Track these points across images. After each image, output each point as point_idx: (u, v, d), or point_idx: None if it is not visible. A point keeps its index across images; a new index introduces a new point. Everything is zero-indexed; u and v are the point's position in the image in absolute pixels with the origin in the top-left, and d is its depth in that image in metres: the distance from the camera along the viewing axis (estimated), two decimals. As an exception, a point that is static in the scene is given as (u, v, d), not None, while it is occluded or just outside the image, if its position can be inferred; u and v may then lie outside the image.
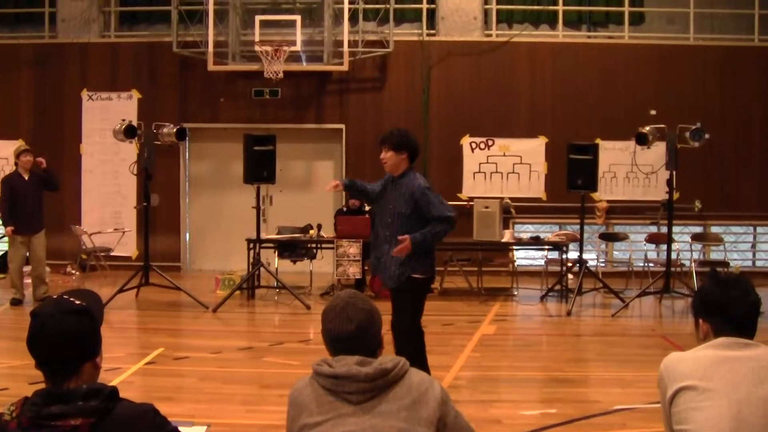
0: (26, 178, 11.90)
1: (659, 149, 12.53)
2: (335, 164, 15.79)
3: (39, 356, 2.71)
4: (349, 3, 14.54)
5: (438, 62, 15.34)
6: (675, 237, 12.68)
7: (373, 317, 3.20)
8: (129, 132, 12.04)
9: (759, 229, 15.71)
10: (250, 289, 12.76)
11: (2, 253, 15.44)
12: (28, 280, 12.25)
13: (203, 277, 14.64)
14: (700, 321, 3.43)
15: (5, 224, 11.95)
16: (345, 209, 13.49)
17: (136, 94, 15.61)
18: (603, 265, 15.20)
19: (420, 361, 6.85)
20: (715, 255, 14.86)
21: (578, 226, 12.75)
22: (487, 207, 12.69)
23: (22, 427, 2.58)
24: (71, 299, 2.78)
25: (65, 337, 2.68)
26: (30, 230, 11.84)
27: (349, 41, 14.60)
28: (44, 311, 2.73)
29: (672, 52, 15.24)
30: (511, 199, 14.75)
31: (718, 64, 15.19)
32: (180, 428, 2.85)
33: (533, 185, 15.31)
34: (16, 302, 11.84)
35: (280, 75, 14.20)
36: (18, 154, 12.00)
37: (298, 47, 14.20)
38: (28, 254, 12.00)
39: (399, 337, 6.89)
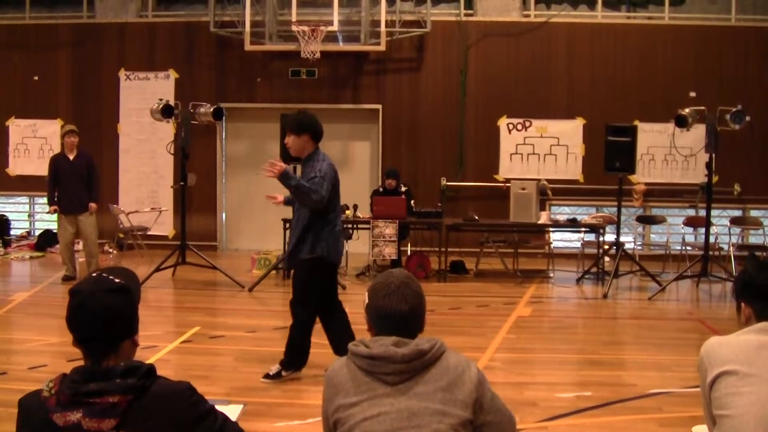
0: (71, 158, 12.01)
1: (698, 132, 12.39)
2: (372, 145, 15.78)
3: (78, 333, 2.72)
4: (387, -18, 14.49)
5: (475, 43, 15.25)
6: (713, 220, 12.54)
7: (423, 302, 3.23)
8: (166, 111, 12.08)
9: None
10: (286, 269, 12.78)
11: (42, 231, 15.64)
12: (82, 258, 12.40)
13: (239, 256, 14.73)
14: (743, 305, 3.37)
15: (49, 204, 12.08)
16: (381, 189, 13.45)
17: (173, 74, 15.68)
18: (640, 248, 15.11)
19: (292, 345, 7.11)
20: (754, 239, 14.72)
21: (615, 209, 12.65)
22: (523, 188, 12.64)
23: (61, 403, 2.60)
24: (110, 277, 2.79)
25: (104, 315, 2.69)
26: (75, 209, 11.96)
27: (386, 21, 14.55)
28: (83, 289, 2.74)
29: (713, 33, 15.03)
30: (548, 180, 14.63)
31: (760, 46, 14.95)
32: (216, 407, 2.86)
33: (570, 167, 15.21)
34: (68, 279, 12.01)
35: (317, 55, 14.17)
36: (63, 135, 12.14)
37: (335, 27, 14.17)
38: (78, 232, 12.11)
39: (293, 313, 7.17)
